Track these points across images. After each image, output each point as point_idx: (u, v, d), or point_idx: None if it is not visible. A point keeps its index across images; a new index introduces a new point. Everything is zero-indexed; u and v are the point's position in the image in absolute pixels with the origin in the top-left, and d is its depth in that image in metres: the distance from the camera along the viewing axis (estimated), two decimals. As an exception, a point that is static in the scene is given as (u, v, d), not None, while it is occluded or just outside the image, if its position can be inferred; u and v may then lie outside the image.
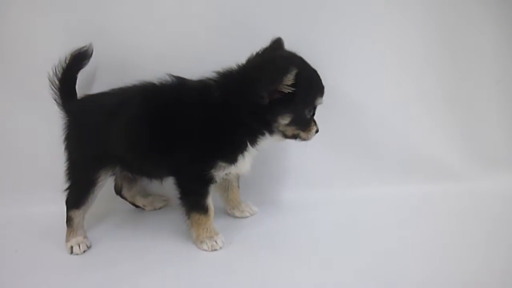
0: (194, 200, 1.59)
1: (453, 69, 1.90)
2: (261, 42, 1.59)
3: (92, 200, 1.67)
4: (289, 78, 1.40)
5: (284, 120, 1.50)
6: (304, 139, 1.59)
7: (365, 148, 1.96)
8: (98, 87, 1.79)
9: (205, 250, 1.56)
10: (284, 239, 1.63)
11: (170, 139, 1.53)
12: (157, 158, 1.60)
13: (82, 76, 1.75)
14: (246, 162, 1.58)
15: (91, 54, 1.72)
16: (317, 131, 1.60)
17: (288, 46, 1.61)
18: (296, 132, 1.55)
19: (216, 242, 1.57)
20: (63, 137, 1.70)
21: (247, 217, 1.80)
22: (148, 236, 1.69)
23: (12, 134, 1.93)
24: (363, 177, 1.97)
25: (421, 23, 1.84)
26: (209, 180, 1.56)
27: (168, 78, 1.58)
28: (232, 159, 1.54)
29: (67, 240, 1.63)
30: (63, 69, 1.68)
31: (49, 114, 1.74)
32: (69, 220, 1.66)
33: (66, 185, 1.68)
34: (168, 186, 1.71)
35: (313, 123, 1.59)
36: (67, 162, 1.69)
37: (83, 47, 1.70)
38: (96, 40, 1.73)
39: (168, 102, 1.55)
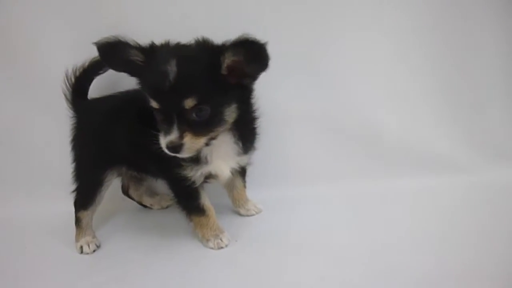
0: (189, 204, 1.60)
1: (456, 62, 1.90)
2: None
3: (99, 201, 1.70)
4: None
5: None
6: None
7: (369, 142, 1.96)
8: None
9: (212, 248, 1.58)
10: (289, 236, 1.64)
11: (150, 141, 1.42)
12: (146, 160, 1.59)
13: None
14: (219, 162, 1.52)
15: None
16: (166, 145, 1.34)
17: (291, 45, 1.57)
18: None
19: (221, 240, 1.59)
20: (70, 138, 1.73)
21: (252, 215, 1.82)
22: (156, 235, 1.72)
23: (24, 135, 1.96)
24: (367, 172, 1.97)
25: (422, 14, 1.84)
26: (186, 181, 1.51)
27: None
28: (195, 159, 1.47)
29: (77, 240, 1.67)
30: (83, 69, 1.72)
31: (60, 115, 1.75)
32: (78, 221, 1.69)
33: (74, 187, 1.71)
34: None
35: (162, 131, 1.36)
36: (74, 163, 1.72)
37: None
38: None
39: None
